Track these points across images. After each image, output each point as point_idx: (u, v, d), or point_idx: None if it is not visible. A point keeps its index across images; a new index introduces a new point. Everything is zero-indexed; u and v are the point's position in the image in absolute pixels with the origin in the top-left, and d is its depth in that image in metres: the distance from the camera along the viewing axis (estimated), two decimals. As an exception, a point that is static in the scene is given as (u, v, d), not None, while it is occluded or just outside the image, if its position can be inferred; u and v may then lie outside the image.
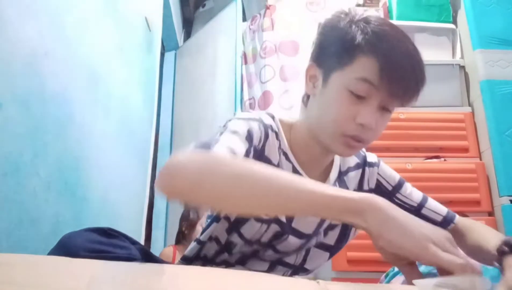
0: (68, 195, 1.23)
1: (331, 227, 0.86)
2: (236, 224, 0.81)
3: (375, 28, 0.72)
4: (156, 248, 2.78)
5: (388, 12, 2.26)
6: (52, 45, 1.15)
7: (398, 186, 0.91)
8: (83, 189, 1.34)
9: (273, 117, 0.84)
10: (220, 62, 2.95)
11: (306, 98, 0.83)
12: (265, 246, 0.81)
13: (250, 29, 2.85)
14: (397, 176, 0.93)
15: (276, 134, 0.82)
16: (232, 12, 2.94)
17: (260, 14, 2.81)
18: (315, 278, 0.51)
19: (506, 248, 0.70)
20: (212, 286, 0.43)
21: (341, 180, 0.89)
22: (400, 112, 1.95)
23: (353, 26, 0.73)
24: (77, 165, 1.30)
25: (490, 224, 1.73)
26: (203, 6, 3.71)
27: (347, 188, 0.89)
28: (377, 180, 0.92)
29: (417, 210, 0.89)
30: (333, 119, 0.74)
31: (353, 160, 0.92)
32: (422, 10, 2.18)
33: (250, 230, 0.79)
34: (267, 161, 0.79)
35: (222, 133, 0.71)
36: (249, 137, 0.73)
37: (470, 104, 2.01)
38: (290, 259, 0.85)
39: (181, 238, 2.20)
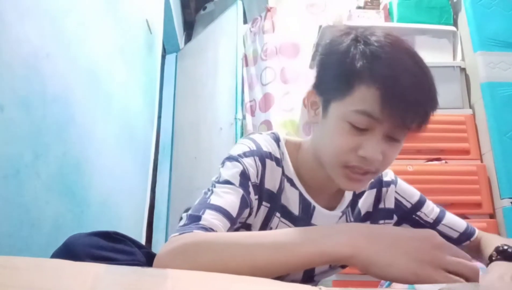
0: (69, 197, 1.23)
1: None
2: None
3: (375, 50, 0.66)
4: (157, 251, 2.77)
5: (389, 14, 2.26)
6: (53, 47, 1.15)
7: (419, 204, 0.89)
8: (84, 191, 1.34)
9: (277, 140, 0.80)
10: (221, 64, 2.95)
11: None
12: None
13: (251, 31, 2.86)
14: (417, 194, 0.90)
15: (278, 160, 0.78)
16: (233, 15, 2.94)
17: (261, 17, 2.82)
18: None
19: (494, 253, 0.69)
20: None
21: (354, 203, 0.85)
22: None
23: (352, 49, 0.67)
24: (78, 167, 1.30)
25: (491, 226, 1.73)
26: (204, 8, 3.71)
27: (359, 212, 0.86)
28: (396, 199, 0.89)
29: (432, 227, 0.87)
30: (334, 151, 0.70)
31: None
32: (423, 12, 2.18)
33: None
34: (268, 193, 0.77)
35: (213, 188, 0.70)
36: (243, 180, 0.71)
37: (471, 106, 2.01)
38: (296, 277, 0.83)
39: None
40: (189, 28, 3.83)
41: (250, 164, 0.74)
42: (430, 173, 1.82)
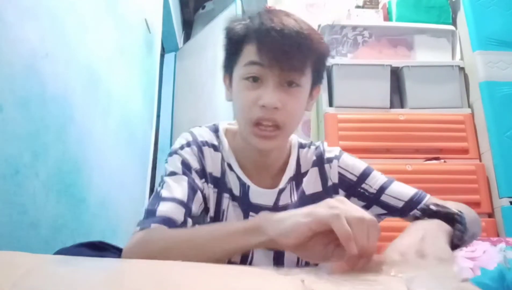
0: (68, 197, 1.23)
1: None
2: None
3: (257, 19, 0.78)
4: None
5: (388, 13, 2.26)
6: (52, 46, 1.15)
7: (363, 176, 0.88)
8: (83, 191, 1.34)
9: (216, 130, 0.89)
10: (220, 63, 2.94)
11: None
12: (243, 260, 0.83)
13: (250, 30, 2.85)
14: (362, 166, 0.90)
15: (215, 147, 0.86)
16: (232, 14, 2.94)
17: (260, 16, 2.81)
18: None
19: (418, 212, 0.73)
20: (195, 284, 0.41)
21: (298, 182, 0.88)
22: (400, 114, 1.96)
23: (241, 25, 0.80)
24: (77, 167, 1.30)
25: (490, 225, 1.73)
26: (203, 8, 3.71)
27: (303, 190, 0.88)
28: (339, 173, 0.89)
29: (376, 198, 0.87)
30: (240, 108, 0.79)
31: (311, 160, 0.91)
32: (421, 12, 2.18)
33: None
34: (211, 177, 0.83)
35: (163, 183, 0.79)
36: (186, 168, 0.80)
37: (470, 106, 2.01)
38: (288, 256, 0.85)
39: None
40: (188, 27, 3.83)
41: (189, 153, 0.82)
42: (428, 173, 1.83)
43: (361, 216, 0.54)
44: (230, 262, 0.82)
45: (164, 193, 0.76)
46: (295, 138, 0.94)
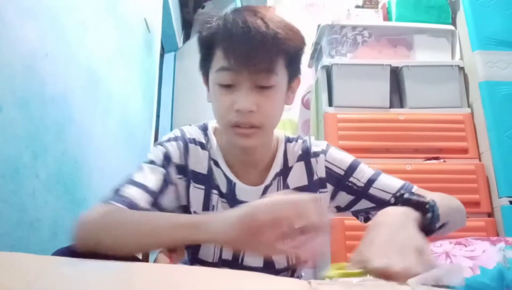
0: (68, 197, 1.23)
1: None
2: (193, 255, 0.86)
3: (222, 21, 0.76)
4: (154, 252, 2.77)
5: (388, 13, 2.27)
6: (52, 46, 1.15)
7: (351, 169, 0.88)
8: (83, 191, 1.34)
9: (204, 128, 0.90)
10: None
11: None
12: (232, 263, 0.84)
13: (249, 30, 2.86)
14: (349, 159, 0.89)
15: (203, 144, 0.87)
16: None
17: (259, 16, 2.81)
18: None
19: (392, 199, 0.72)
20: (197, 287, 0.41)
21: (285, 177, 0.89)
22: (399, 114, 1.95)
23: (208, 29, 0.78)
24: (76, 167, 1.30)
25: (489, 225, 1.73)
26: (203, 7, 3.71)
27: (288, 185, 0.88)
28: (326, 167, 0.89)
29: (364, 191, 0.86)
30: (217, 113, 0.80)
31: (297, 154, 0.91)
32: (421, 12, 2.18)
33: (207, 253, 0.84)
34: (194, 174, 0.84)
35: (139, 168, 0.80)
36: (166, 160, 0.82)
37: (469, 105, 2.01)
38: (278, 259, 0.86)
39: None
40: (188, 27, 3.83)
41: (173, 147, 0.84)
42: (428, 172, 1.83)
43: (288, 197, 0.56)
44: (221, 259, 0.84)
45: (137, 177, 0.78)
46: (282, 133, 0.94)
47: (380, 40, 2.13)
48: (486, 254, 0.81)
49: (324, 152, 0.90)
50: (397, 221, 0.63)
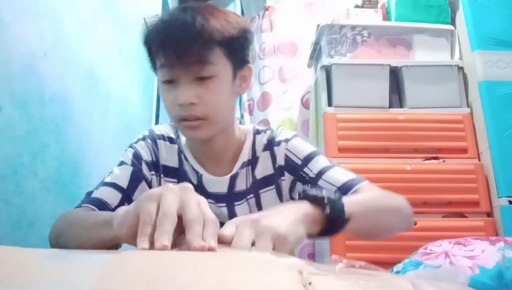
0: (67, 197, 1.23)
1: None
2: None
3: (156, 21, 0.80)
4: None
5: (387, 13, 2.27)
6: (51, 46, 1.15)
7: (307, 159, 0.86)
8: (82, 190, 1.34)
9: (175, 125, 0.89)
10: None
11: None
12: None
13: (249, 30, 2.85)
14: (309, 150, 0.88)
15: (172, 139, 0.92)
16: (231, 14, 2.94)
17: (259, 16, 2.81)
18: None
19: (297, 196, 0.66)
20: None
21: (253, 167, 0.90)
22: (399, 113, 1.96)
23: (147, 28, 0.82)
24: (75, 167, 1.30)
25: (489, 225, 1.74)
26: (202, 7, 3.71)
27: (255, 175, 0.89)
28: (285, 155, 0.89)
29: (314, 183, 0.83)
30: (167, 111, 0.83)
31: (263, 144, 0.91)
32: (420, 11, 2.18)
33: None
34: (165, 168, 0.89)
35: (111, 171, 0.86)
36: (136, 160, 0.87)
37: (468, 105, 2.01)
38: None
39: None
40: (187, 27, 3.82)
41: (142, 146, 0.89)
42: (427, 172, 1.83)
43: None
44: None
45: (107, 179, 0.83)
46: (251, 125, 0.96)
47: (380, 40, 2.13)
48: (485, 254, 0.81)
49: (287, 140, 0.90)
50: (281, 209, 0.59)
